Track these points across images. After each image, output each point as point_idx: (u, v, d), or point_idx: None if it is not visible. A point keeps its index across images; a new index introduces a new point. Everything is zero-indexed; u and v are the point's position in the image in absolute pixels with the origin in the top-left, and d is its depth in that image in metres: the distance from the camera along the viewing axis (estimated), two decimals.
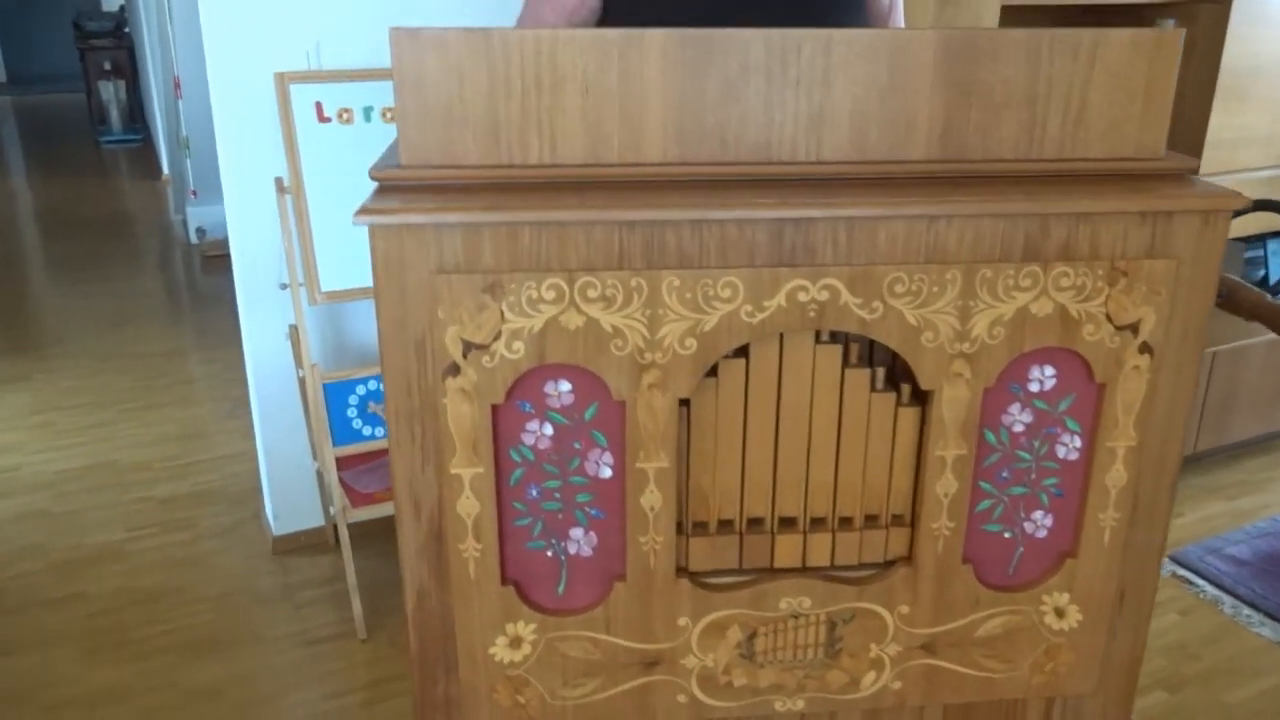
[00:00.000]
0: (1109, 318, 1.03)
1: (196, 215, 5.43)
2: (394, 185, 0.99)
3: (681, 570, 1.10)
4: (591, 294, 0.97)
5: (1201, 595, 2.66)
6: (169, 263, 5.52)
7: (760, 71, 1.00)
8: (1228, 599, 2.64)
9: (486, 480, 1.03)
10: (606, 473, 1.05)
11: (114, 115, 8.38)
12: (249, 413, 2.85)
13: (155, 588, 2.65)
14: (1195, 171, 1.07)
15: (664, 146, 1.01)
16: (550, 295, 0.97)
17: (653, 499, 1.05)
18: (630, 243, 0.96)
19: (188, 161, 5.13)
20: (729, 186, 1.01)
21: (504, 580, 1.08)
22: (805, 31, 0.99)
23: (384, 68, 2.46)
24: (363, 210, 0.92)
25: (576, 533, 1.08)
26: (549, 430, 1.03)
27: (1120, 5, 3.05)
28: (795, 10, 1.42)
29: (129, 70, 8.37)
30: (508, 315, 0.97)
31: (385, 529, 2.59)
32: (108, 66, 8.22)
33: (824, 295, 0.99)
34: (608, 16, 1.56)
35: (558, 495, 1.06)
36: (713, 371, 1.03)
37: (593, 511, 1.07)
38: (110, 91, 8.29)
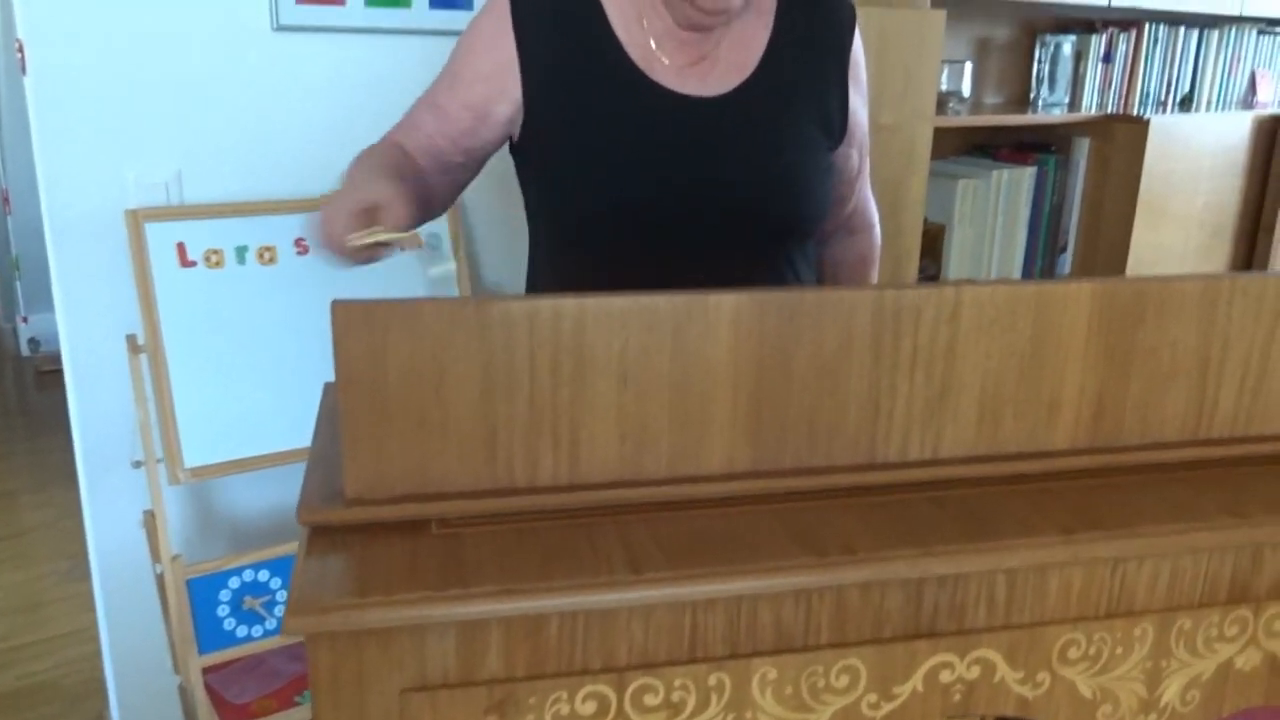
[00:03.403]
0: None
1: (30, 326, 4.83)
2: (333, 529, 0.65)
3: None
4: (650, 701, 0.64)
5: None
6: None
7: (866, 345, 0.70)
8: None
9: None
10: None
11: None
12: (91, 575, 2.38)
13: None
14: None
15: (732, 451, 0.70)
16: (589, 708, 0.63)
17: None
18: (707, 624, 0.64)
19: (18, 284, 4.54)
20: (816, 502, 0.71)
21: None
22: (927, 291, 0.71)
23: (260, 200, 2.09)
24: (296, 609, 0.58)
25: None
26: None
27: (1037, 125, 2.95)
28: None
29: None
30: None
31: None
32: None
33: (974, 673, 0.69)
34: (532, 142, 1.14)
35: None
36: None
37: None
38: None
